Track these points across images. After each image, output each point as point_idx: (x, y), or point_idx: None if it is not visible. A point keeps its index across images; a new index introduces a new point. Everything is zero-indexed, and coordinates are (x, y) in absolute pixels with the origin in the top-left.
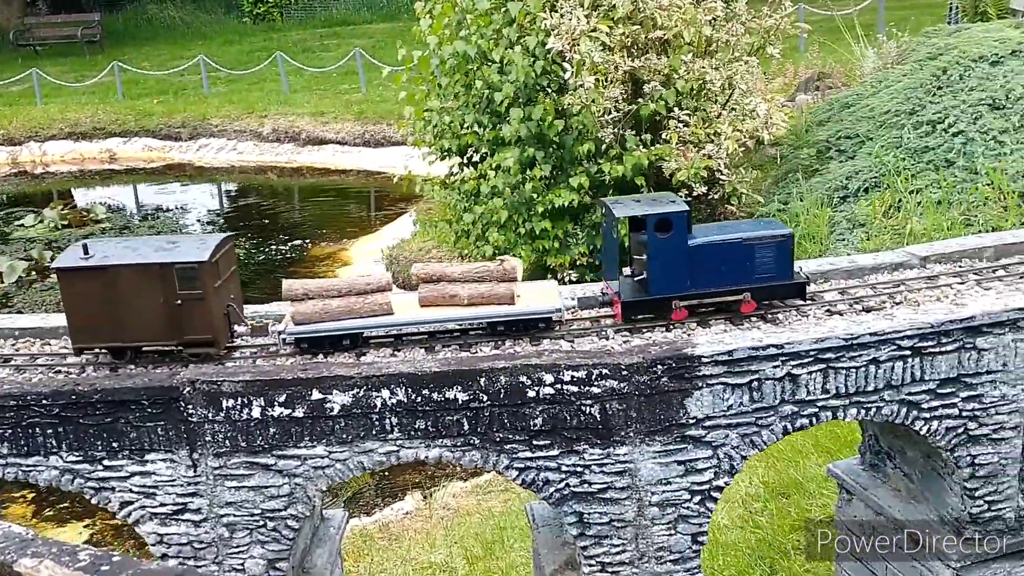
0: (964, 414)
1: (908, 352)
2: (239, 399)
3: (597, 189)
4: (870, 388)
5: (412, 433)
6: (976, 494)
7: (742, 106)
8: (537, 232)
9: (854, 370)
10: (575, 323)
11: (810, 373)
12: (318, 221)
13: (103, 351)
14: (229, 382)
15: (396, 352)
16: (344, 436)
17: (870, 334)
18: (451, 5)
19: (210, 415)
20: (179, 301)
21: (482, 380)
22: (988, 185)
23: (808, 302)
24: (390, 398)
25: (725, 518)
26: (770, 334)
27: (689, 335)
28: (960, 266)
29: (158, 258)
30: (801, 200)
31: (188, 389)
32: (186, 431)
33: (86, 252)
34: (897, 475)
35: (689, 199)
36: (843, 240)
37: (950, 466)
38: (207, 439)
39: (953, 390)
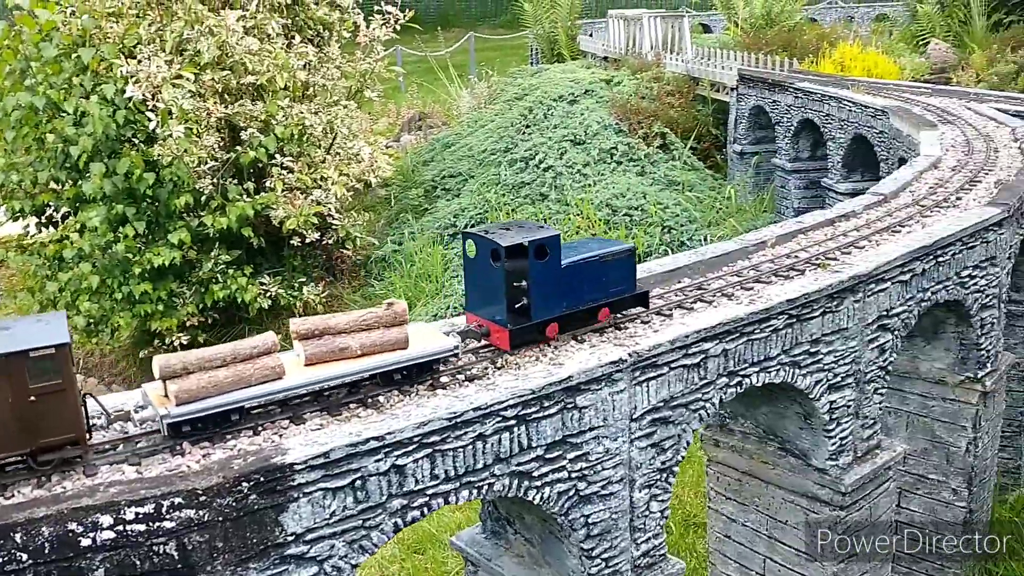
0: (573, 475)
1: (513, 421)
2: None
3: (201, 244)
4: (480, 465)
5: None
6: (593, 554)
7: (346, 150)
8: (137, 296)
9: (461, 450)
10: (459, 360)
11: (416, 461)
12: None
13: None
14: None
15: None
16: None
17: (474, 409)
18: (12, 52)
19: None
20: (32, 397)
21: (18, 536)
22: (579, 215)
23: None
24: None
25: None
26: (370, 425)
27: (280, 437)
28: None
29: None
30: (414, 240)
31: None
32: None
33: None
34: (519, 541)
35: (302, 246)
36: (457, 277)
37: (566, 529)
38: None
39: (560, 453)
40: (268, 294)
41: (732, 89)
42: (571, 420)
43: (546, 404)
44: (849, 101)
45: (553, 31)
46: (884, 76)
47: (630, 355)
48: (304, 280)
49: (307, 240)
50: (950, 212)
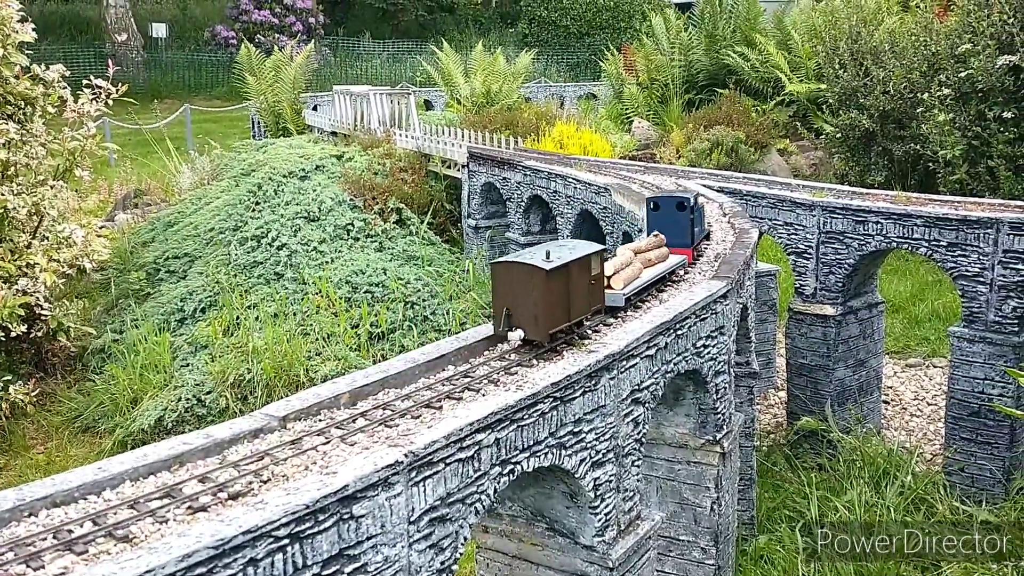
0: None
1: (286, 540)
2: None
3: None
4: None
5: None
6: None
7: (55, 233)
8: None
9: None
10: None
11: None
12: None
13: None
14: None
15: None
16: None
17: (243, 533)
18: None
19: None
20: (593, 281)
21: None
22: (317, 294)
23: (168, 501)
24: None
25: None
26: (125, 564)
27: None
28: (320, 419)
29: (584, 252)
30: (137, 327)
31: None
32: None
33: (548, 256)
34: None
35: (7, 340)
36: (188, 365)
37: None
38: None
39: (338, 568)
40: None
41: (463, 166)
42: (348, 531)
43: (320, 518)
44: (574, 179)
45: (277, 104)
46: (599, 153)
47: (406, 455)
48: (10, 379)
49: (12, 334)
50: (681, 286)
